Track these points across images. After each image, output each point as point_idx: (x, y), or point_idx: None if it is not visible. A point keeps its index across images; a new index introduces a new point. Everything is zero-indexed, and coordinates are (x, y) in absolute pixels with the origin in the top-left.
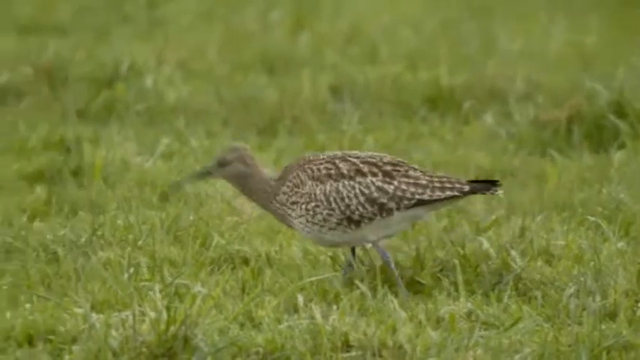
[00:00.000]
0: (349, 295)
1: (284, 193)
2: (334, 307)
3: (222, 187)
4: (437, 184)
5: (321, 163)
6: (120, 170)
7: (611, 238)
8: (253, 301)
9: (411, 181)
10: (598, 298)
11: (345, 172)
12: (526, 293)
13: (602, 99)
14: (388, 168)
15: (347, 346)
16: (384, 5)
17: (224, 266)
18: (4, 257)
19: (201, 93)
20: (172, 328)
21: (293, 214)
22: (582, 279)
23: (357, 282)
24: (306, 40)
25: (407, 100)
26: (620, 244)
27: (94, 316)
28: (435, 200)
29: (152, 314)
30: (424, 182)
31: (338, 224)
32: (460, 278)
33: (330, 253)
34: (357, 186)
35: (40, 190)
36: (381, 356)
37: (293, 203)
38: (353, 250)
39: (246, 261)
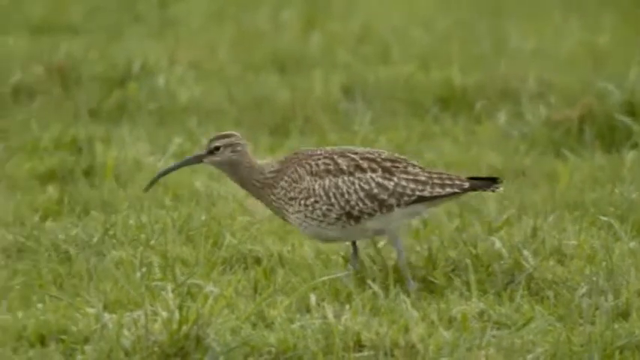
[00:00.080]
0: (361, 295)
1: (282, 188)
2: (346, 306)
3: (234, 187)
4: (436, 181)
5: (319, 159)
6: (132, 170)
7: (623, 237)
8: (265, 301)
9: (411, 177)
10: (610, 297)
11: (345, 167)
12: (538, 293)
13: (614, 99)
14: (387, 164)
15: (359, 345)
16: (395, 5)
17: (236, 266)
18: (17, 257)
19: (212, 93)
20: (184, 328)
21: (290, 210)
22: (594, 279)
23: (369, 282)
24: (318, 40)
25: (419, 99)
26: (632, 244)
27: (107, 315)
28: (435, 197)
29: (164, 314)
30: (424, 179)
31: (337, 219)
32: (472, 278)
33: (342, 253)
34: (356, 181)
35: (52, 190)
36: (393, 356)
37: (291, 199)
38: (354, 244)
39: (258, 261)
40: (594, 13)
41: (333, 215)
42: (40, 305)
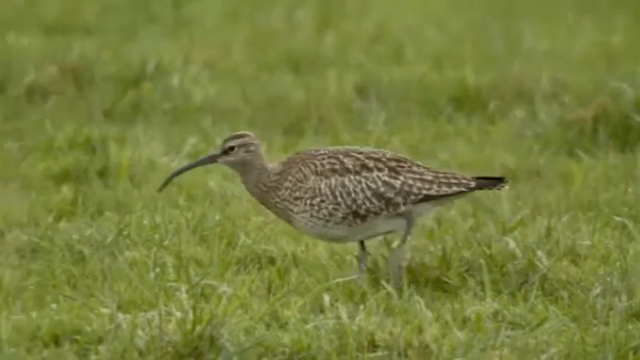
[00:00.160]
0: (375, 295)
1: (286, 189)
2: (360, 307)
3: None
4: (443, 180)
5: (324, 158)
6: (146, 170)
7: (638, 237)
8: (279, 301)
9: (417, 176)
10: (624, 298)
11: (351, 166)
12: (552, 293)
13: (627, 98)
14: (393, 164)
15: (373, 346)
16: (409, 5)
17: (250, 266)
18: (31, 257)
19: (227, 92)
20: (198, 328)
21: (295, 209)
22: (608, 279)
23: (382, 282)
24: (332, 40)
25: (433, 99)
26: None
27: (120, 316)
28: (442, 196)
29: (178, 314)
30: (430, 177)
31: (343, 219)
32: (486, 278)
33: (355, 253)
34: (363, 180)
35: (66, 190)
36: (407, 356)
37: (296, 199)
38: (362, 243)
39: (272, 261)
40: (607, 14)
41: (340, 214)
42: (54, 305)
